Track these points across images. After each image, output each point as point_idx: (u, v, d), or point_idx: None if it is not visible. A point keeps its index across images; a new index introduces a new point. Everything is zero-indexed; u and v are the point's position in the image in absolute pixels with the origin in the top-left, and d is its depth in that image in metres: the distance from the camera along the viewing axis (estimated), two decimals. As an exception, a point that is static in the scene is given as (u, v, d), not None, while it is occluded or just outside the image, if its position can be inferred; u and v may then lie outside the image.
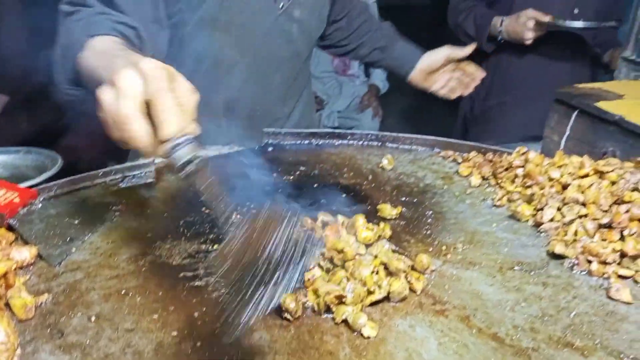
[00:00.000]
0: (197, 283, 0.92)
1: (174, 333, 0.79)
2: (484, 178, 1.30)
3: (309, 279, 0.88)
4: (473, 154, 1.39)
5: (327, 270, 0.91)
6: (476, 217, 1.15)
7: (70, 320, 0.81)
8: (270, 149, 1.47)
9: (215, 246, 1.02)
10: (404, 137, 1.51)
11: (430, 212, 1.17)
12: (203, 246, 1.03)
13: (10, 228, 1.03)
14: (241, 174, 1.29)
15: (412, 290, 0.90)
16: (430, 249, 1.03)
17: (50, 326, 0.80)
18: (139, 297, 0.88)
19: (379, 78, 4.50)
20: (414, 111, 5.72)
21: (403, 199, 1.23)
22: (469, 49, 1.75)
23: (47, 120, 2.93)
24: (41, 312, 0.83)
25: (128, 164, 1.37)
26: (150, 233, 1.08)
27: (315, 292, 0.86)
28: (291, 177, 1.30)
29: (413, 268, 0.94)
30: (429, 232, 1.09)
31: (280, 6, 1.57)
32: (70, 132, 2.85)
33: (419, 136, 1.50)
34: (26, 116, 3.12)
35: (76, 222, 1.09)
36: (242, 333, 0.75)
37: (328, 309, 0.84)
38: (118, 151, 1.64)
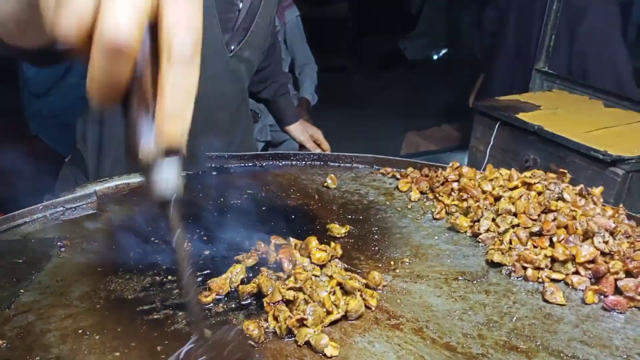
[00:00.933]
0: (155, 316, 0.92)
1: (140, 369, 0.79)
2: (422, 192, 1.38)
3: (268, 303, 0.91)
4: (410, 169, 1.47)
5: (287, 302, 0.94)
6: (419, 231, 1.21)
7: (29, 366, 0.79)
8: (214, 173, 1.49)
9: (170, 277, 1.03)
10: (344, 156, 1.56)
11: (376, 228, 1.23)
12: (157, 278, 1.03)
13: (-51, 273, 0.99)
14: (187, 201, 1.29)
15: (367, 307, 0.94)
16: (380, 265, 1.08)
17: (7, 374, 0.78)
18: (97, 335, 0.87)
19: (308, 91, 4.56)
20: (345, 120, 5.88)
21: (349, 216, 1.29)
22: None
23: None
24: (-4, 360, 0.81)
25: (69, 195, 1.33)
26: (100, 267, 1.06)
27: (276, 318, 0.89)
28: (239, 202, 1.32)
29: (366, 285, 0.99)
30: (377, 248, 1.15)
31: (231, 49, 1.62)
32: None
33: (358, 155, 1.56)
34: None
35: (20, 261, 1.06)
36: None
37: (290, 332, 0.87)
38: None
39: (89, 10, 0.41)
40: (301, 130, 2.24)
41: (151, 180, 0.52)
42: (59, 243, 1.15)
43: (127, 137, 0.52)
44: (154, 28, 0.47)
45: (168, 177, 0.52)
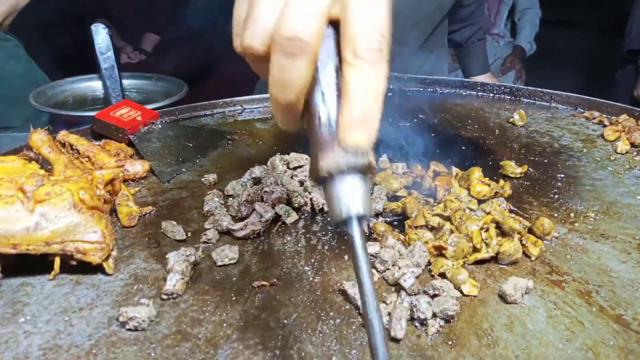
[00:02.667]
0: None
1: (259, 260, 0.77)
2: (633, 145, 1.11)
3: (410, 226, 0.81)
4: (623, 117, 1.19)
5: (431, 228, 0.83)
6: (617, 187, 0.98)
7: (168, 233, 0.83)
8: (389, 94, 1.40)
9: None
10: (542, 93, 1.34)
11: (562, 175, 1.03)
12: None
13: (130, 143, 1.08)
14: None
15: (526, 254, 0.79)
16: (555, 215, 0.90)
17: (149, 236, 0.82)
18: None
19: (526, 39, 4.10)
20: (560, 78, 5.21)
21: (532, 158, 1.10)
22: None
23: (189, 59, 3.11)
24: (144, 222, 0.86)
25: (248, 97, 1.37)
26: (256, 162, 1.07)
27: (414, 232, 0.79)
28: (407, 124, 1.22)
29: (531, 231, 0.83)
30: (556, 196, 0.96)
31: None
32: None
33: (560, 92, 1.32)
34: (172, 53, 3.33)
35: (191, 145, 1.12)
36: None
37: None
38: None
39: (273, 21, 0.42)
40: None
41: (332, 197, 0.44)
42: (228, 136, 1.19)
43: (310, 150, 0.45)
44: (334, 26, 0.44)
45: (352, 194, 0.43)
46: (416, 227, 0.81)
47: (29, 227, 0.67)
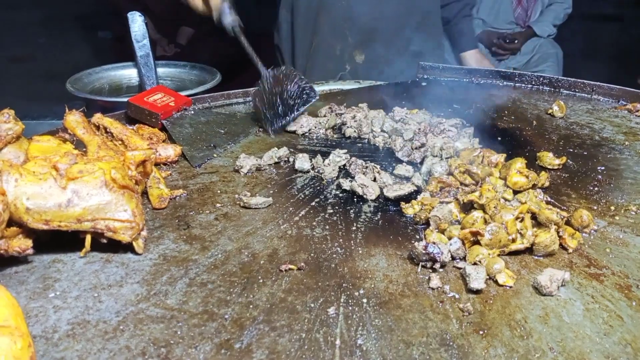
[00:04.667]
0: (313, 203, 0.88)
1: (287, 244, 0.76)
2: (681, 138, 1.06)
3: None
4: (671, 109, 1.14)
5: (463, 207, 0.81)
6: (662, 181, 0.94)
7: (198, 216, 0.83)
8: (423, 83, 1.37)
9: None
10: (583, 84, 1.29)
11: (603, 167, 0.99)
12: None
13: (163, 128, 1.09)
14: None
15: (563, 246, 0.76)
16: (595, 207, 0.86)
17: (178, 218, 0.83)
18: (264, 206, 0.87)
19: (541, 26, 3.99)
20: (602, 73, 5.03)
21: (570, 149, 1.06)
22: None
23: (223, 52, 3.13)
24: (174, 204, 0.86)
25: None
26: (285, 145, 1.06)
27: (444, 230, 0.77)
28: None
29: (568, 223, 0.80)
30: (596, 188, 0.92)
31: None
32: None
33: (602, 84, 1.27)
34: (207, 46, 3.36)
35: (222, 131, 1.12)
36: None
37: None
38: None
39: None
40: (477, 60, 1.93)
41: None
42: (258, 124, 1.18)
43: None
44: None
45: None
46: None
47: (61, 204, 0.68)
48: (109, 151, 0.85)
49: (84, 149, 0.87)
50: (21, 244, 0.67)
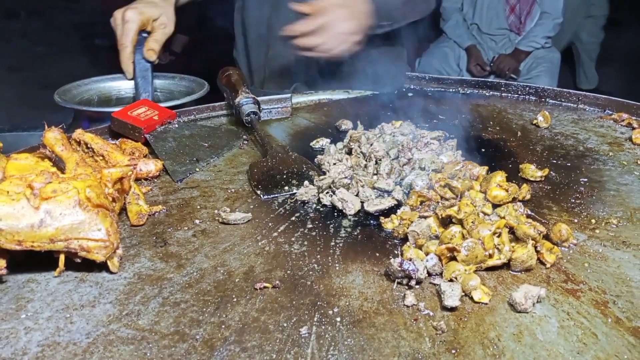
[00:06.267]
0: (293, 218, 0.88)
1: (264, 261, 0.76)
2: (665, 149, 1.06)
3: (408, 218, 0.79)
4: (655, 119, 1.14)
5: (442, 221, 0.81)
6: (644, 192, 0.94)
7: (176, 233, 0.83)
8: (410, 94, 1.37)
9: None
10: (569, 94, 1.29)
11: (586, 179, 0.99)
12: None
13: (146, 142, 1.09)
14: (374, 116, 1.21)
15: (541, 261, 0.76)
16: (575, 220, 0.86)
17: (156, 235, 0.82)
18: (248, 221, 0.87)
19: (527, 40, 4.01)
20: (605, 79, 5.03)
21: (554, 161, 1.06)
22: None
23: (217, 59, 3.14)
24: (153, 220, 0.86)
25: (267, 97, 1.37)
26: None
27: (420, 246, 0.77)
28: (426, 125, 1.19)
29: (547, 237, 0.80)
30: (578, 201, 0.92)
31: None
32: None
33: (587, 94, 1.27)
34: (201, 54, 3.37)
35: (206, 144, 1.12)
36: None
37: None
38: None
39: None
40: None
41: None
42: (244, 137, 1.18)
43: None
44: None
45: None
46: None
47: (34, 224, 0.68)
48: (87, 168, 0.85)
49: (63, 165, 0.87)
50: (-6, 265, 0.67)
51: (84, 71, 1.82)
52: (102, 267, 0.72)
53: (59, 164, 0.87)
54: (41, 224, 0.68)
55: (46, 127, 0.90)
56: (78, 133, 0.98)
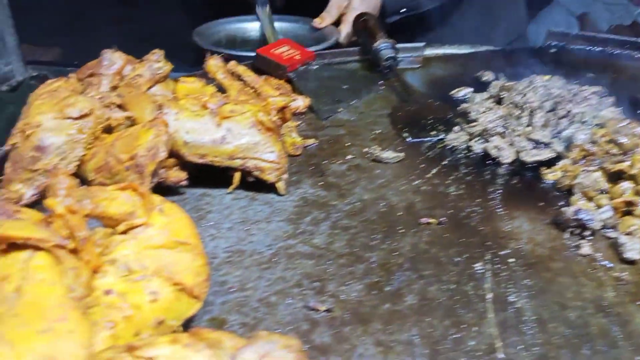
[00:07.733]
0: (445, 162, 0.86)
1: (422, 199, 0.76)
2: None
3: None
4: None
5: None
6: None
7: (331, 165, 0.84)
8: (552, 50, 1.30)
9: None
10: None
11: None
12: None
13: (288, 80, 1.10)
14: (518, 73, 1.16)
15: None
16: None
17: (313, 166, 0.84)
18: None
19: None
20: None
21: None
22: None
23: None
24: (306, 153, 0.88)
25: (400, 45, 1.34)
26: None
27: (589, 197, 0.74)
28: (576, 82, 1.12)
29: None
30: None
31: None
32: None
33: None
34: None
35: (345, 87, 1.12)
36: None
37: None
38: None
39: None
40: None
41: None
42: (379, 82, 1.17)
43: None
44: None
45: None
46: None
47: (216, 140, 0.71)
48: (248, 96, 0.88)
49: (225, 94, 0.90)
50: (177, 175, 0.71)
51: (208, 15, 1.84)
52: (270, 188, 0.75)
53: (219, 90, 0.90)
54: (222, 140, 0.71)
55: (208, 55, 0.93)
56: (232, 64, 1.00)
